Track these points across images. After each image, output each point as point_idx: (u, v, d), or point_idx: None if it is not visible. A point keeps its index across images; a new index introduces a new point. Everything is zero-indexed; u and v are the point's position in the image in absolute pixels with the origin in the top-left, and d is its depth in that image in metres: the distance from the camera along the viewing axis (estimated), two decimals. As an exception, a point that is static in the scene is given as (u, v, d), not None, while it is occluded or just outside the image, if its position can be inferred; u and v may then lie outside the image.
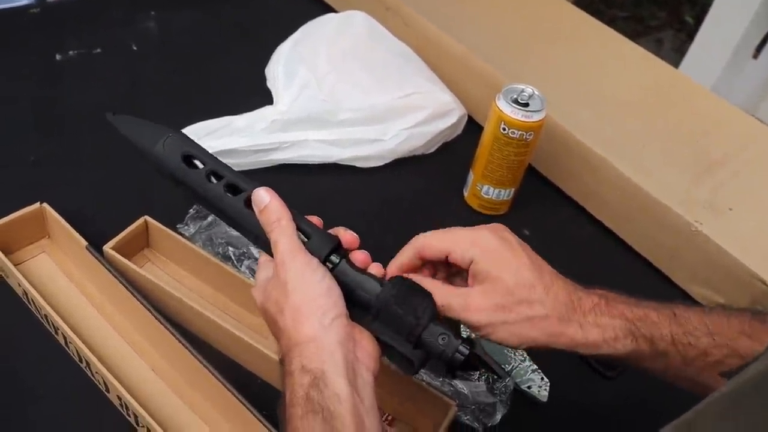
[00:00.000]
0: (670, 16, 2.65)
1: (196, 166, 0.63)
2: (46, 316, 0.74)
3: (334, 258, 0.59)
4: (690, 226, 0.90)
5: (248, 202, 0.61)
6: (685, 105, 1.09)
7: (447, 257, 0.61)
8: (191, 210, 0.87)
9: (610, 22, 1.21)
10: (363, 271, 0.60)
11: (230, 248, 0.84)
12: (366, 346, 0.57)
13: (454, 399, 0.73)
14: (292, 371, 0.54)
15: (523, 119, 0.88)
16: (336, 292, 0.57)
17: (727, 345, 0.58)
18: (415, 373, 0.59)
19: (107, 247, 0.78)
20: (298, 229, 0.60)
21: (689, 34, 2.50)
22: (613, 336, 0.58)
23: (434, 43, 1.10)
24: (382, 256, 0.88)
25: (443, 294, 0.59)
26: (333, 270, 0.59)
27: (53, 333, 0.75)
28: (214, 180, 0.62)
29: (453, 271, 0.64)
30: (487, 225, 0.62)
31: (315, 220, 0.62)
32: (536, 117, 0.88)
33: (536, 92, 0.90)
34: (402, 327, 0.57)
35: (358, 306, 0.59)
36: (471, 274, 0.60)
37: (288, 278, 0.56)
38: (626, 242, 0.98)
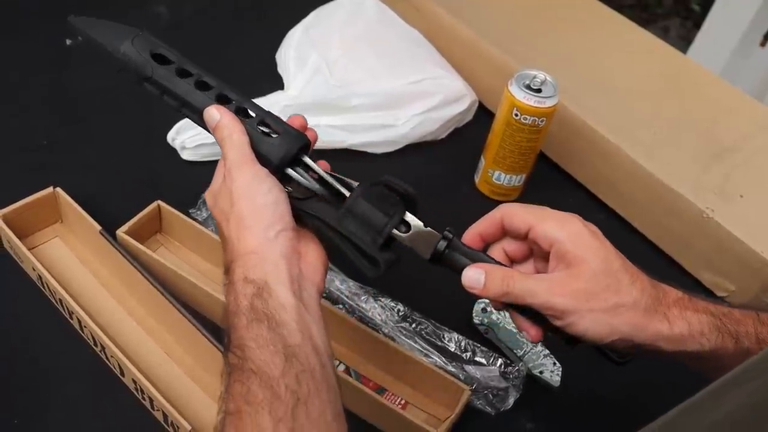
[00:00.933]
0: (676, 3, 2.64)
1: (166, 64, 0.63)
2: (60, 300, 0.74)
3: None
4: (701, 212, 0.90)
5: (219, 99, 0.61)
6: (696, 92, 1.09)
7: (528, 231, 0.59)
8: (199, 201, 0.87)
9: (617, 9, 1.20)
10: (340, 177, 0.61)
11: None
12: (312, 260, 0.57)
13: (468, 384, 0.74)
14: (234, 281, 0.54)
15: (535, 105, 0.88)
16: (283, 205, 0.57)
17: None
18: (378, 274, 0.57)
19: (120, 232, 0.78)
20: (269, 128, 0.60)
21: (696, 22, 2.49)
22: (699, 330, 0.56)
23: (444, 28, 1.09)
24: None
25: (524, 278, 0.56)
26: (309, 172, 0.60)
27: (68, 317, 0.75)
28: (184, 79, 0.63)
29: (527, 253, 0.62)
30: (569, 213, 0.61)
31: (297, 121, 0.63)
32: (549, 103, 0.88)
33: (549, 78, 0.89)
34: (372, 223, 0.57)
35: (325, 203, 0.59)
36: (555, 256, 0.57)
37: (234, 188, 0.57)
38: (637, 229, 0.98)
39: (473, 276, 0.57)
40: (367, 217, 0.58)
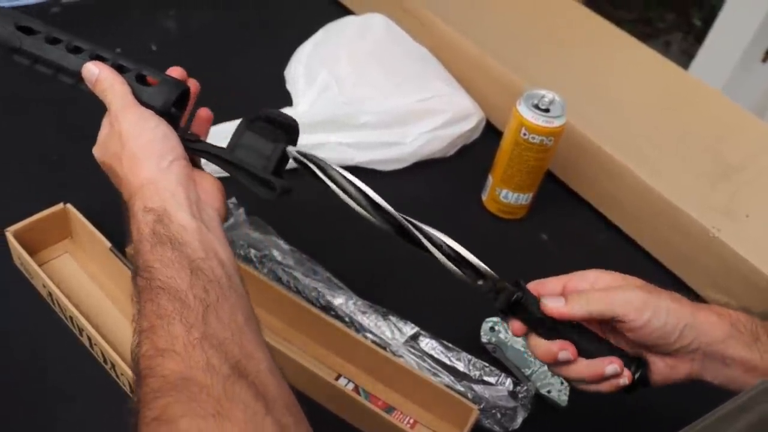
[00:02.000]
0: (678, 18, 2.65)
1: (33, 34, 0.65)
2: (70, 317, 0.74)
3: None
4: (707, 232, 0.91)
5: (94, 59, 0.64)
6: (701, 110, 1.10)
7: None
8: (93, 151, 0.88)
9: (618, 24, 1.21)
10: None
11: (252, 250, 0.85)
12: (208, 187, 0.61)
13: (476, 403, 0.74)
14: (135, 212, 0.56)
15: (544, 125, 0.88)
16: (173, 138, 0.60)
17: None
18: (273, 197, 0.63)
19: (130, 249, 0.79)
20: (146, 80, 0.64)
21: (697, 36, 2.50)
22: None
23: (452, 46, 1.10)
24: (406, 260, 0.89)
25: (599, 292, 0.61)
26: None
27: (77, 334, 0.75)
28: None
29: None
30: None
31: (177, 72, 0.66)
32: (557, 123, 0.89)
33: (557, 98, 0.90)
34: (260, 152, 0.63)
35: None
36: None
37: (122, 129, 0.60)
38: (643, 247, 0.98)
39: (554, 300, 0.61)
40: (255, 147, 0.63)
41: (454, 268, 0.61)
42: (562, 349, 0.60)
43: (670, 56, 1.20)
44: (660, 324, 0.59)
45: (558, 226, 1.00)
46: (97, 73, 0.63)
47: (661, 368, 0.61)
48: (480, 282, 0.62)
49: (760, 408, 0.44)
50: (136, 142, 0.59)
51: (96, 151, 0.64)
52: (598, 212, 1.01)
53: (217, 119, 0.95)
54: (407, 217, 0.62)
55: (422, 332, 0.81)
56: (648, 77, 1.14)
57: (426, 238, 0.61)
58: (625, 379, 0.60)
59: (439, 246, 0.61)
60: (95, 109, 1.01)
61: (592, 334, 0.62)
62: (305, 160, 0.64)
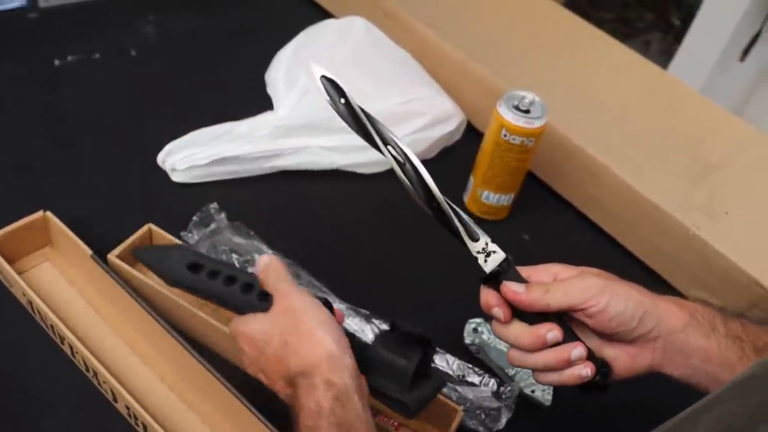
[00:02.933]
0: (656, 18, 2.67)
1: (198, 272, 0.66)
2: (51, 326, 0.74)
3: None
4: (688, 230, 0.91)
5: (244, 287, 0.65)
6: (681, 110, 1.11)
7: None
8: (194, 217, 0.87)
9: (598, 24, 1.22)
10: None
11: (234, 255, 0.84)
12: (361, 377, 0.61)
13: (460, 404, 0.74)
14: (315, 384, 0.56)
15: (524, 126, 0.89)
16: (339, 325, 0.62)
17: None
18: (412, 417, 0.63)
19: (111, 255, 0.78)
20: None
21: (676, 36, 2.52)
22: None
23: (432, 48, 1.10)
24: (388, 262, 0.90)
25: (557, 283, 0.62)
26: None
27: (59, 343, 0.75)
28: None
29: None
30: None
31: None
32: (537, 123, 0.89)
33: (537, 99, 0.90)
34: (393, 372, 0.61)
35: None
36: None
37: (296, 306, 0.61)
38: (625, 247, 0.99)
39: (515, 284, 0.62)
40: (389, 366, 0.62)
41: (453, 217, 0.63)
42: (550, 329, 0.61)
43: (649, 56, 1.21)
44: (620, 309, 0.60)
45: (540, 227, 1.00)
46: (268, 261, 0.64)
47: (623, 360, 0.62)
48: (475, 240, 0.63)
49: (721, 407, 0.45)
50: (313, 317, 0.60)
51: (257, 326, 0.62)
52: (580, 213, 1.02)
53: (199, 122, 0.95)
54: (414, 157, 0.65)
55: None
56: (628, 77, 1.15)
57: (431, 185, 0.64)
58: (588, 369, 0.61)
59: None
60: (75, 114, 1.01)
61: (562, 323, 0.63)
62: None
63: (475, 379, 0.79)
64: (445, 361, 0.80)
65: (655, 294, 0.63)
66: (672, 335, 0.61)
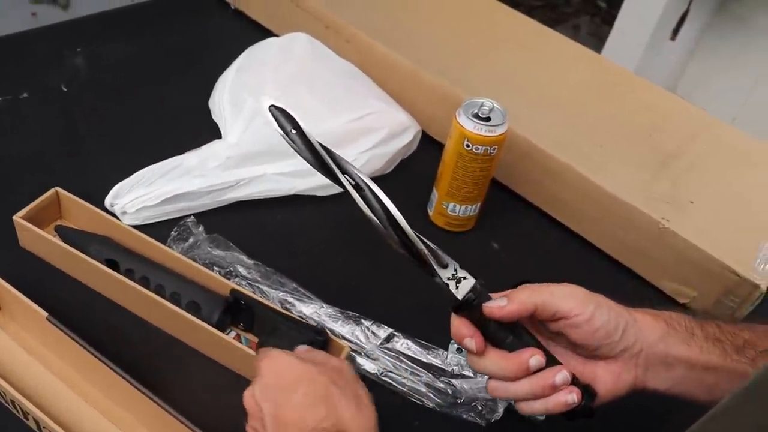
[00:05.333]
0: (584, 2, 2.69)
1: None
2: (11, 401, 0.68)
3: None
4: (657, 223, 0.91)
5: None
6: (633, 100, 1.10)
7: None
8: (173, 232, 0.84)
9: (527, 12, 1.21)
10: None
11: (215, 268, 0.82)
12: None
13: (456, 397, 0.76)
14: None
15: (486, 134, 0.86)
16: None
17: None
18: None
19: (17, 217, 0.79)
20: None
21: (604, 18, 2.55)
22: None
23: (379, 59, 1.07)
24: (357, 282, 0.87)
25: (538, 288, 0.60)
26: None
27: (23, 418, 0.69)
28: None
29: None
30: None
31: None
32: (499, 131, 0.87)
33: (496, 105, 0.88)
34: None
35: None
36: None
37: (348, 371, 0.60)
38: (595, 245, 0.98)
39: (497, 301, 0.59)
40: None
41: (422, 246, 0.59)
42: (533, 354, 0.59)
43: (579, 40, 1.20)
44: (604, 320, 0.58)
45: (508, 233, 0.98)
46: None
47: (606, 380, 0.60)
48: (443, 268, 0.60)
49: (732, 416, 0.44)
50: (363, 386, 0.59)
51: (291, 360, 0.59)
52: (546, 214, 1.00)
53: (144, 158, 0.90)
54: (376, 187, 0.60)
55: (396, 333, 0.79)
56: (575, 70, 1.14)
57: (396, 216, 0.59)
58: (574, 395, 0.59)
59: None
60: (10, 163, 0.94)
61: (542, 348, 0.61)
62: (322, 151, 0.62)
63: (470, 372, 0.77)
64: (439, 357, 0.79)
65: (627, 307, 0.61)
66: (653, 347, 0.60)
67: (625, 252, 0.96)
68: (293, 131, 0.61)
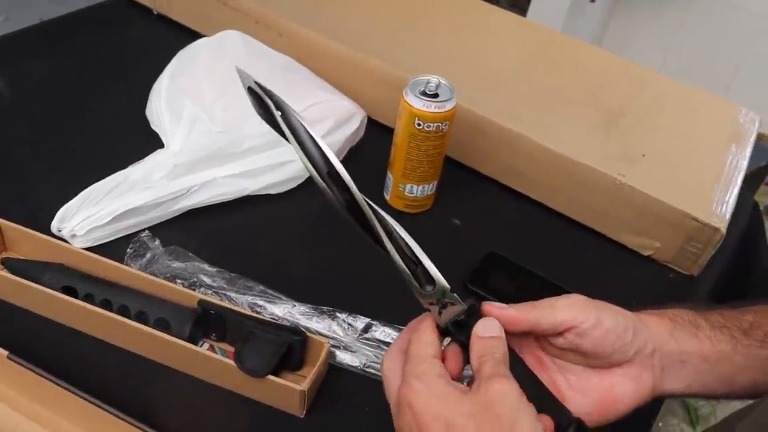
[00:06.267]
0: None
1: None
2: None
3: None
4: (613, 180, 0.91)
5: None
6: (572, 63, 1.11)
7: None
8: (128, 249, 0.81)
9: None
10: None
11: (178, 280, 0.78)
12: None
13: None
14: None
15: (436, 110, 0.85)
16: None
17: None
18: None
19: None
20: None
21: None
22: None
23: (315, 49, 1.05)
24: (326, 276, 0.85)
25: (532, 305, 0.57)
26: None
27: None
28: None
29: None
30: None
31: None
32: (449, 106, 0.86)
33: (442, 81, 0.87)
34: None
35: None
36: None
37: (506, 411, 0.50)
38: (555, 209, 0.98)
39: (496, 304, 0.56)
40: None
41: (402, 265, 0.55)
42: None
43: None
44: (612, 322, 0.55)
45: (468, 209, 0.97)
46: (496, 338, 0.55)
47: (627, 385, 0.57)
48: (429, 288, 0.55)
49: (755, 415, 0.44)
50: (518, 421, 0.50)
51: (438, 402, 0.51)
52: (504, 186, 1.00)
53: (87, 176, 0.86)
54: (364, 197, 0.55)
55: (373, 322, 0.77)
56: (513, 41, 1.14)
57: (381, 224, 0.54)
58: None
59: (390, 233, 0.54)
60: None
61: (535, 379, 0.56)
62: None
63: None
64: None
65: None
66: (665, 345, 0.58)
67: (585, 212, 0.96)
68: (279, 114, 0.53)
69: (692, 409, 1.82)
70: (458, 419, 0.49)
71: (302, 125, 0.54)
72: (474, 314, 0.55)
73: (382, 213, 0.55)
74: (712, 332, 0.59)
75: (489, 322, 0.54)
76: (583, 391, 0.57)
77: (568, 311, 0.55)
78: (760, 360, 0.58)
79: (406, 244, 0.55)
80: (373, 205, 0.55)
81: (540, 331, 0.56)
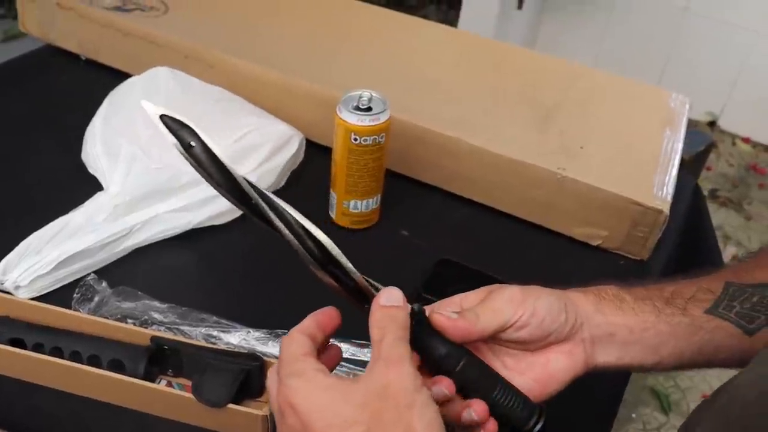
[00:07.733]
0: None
1: None
2: None
3: None
4: (554, 175, 0.92)
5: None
6: (504, 66, 1.12)
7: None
8: (75, 294, 0.79)
9: (372, 10, 1.23)
10: None
11: (129, 320, 0.77)
12: None
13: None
14: None
15: (371, 123, 0.85)
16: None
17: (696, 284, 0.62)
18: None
19: None
20: None
21: (450, 3, 2.60)
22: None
23: (245, 76, 1.05)
24: (277, 299, 0.84)
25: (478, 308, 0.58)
26: None
27: None
28: None
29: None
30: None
31: None
32: (383, 118, 0.86)
33: (374, 94, 0.87)
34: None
35: None
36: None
37: (401, 395, 0.49)
38: (501, 210, 0.98)
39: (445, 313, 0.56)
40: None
41: (292, 238, 0.54)
42: (436, 383, 0.54)
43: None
44: (546, 307, 0.57)
45: (415, 218, 0.98)
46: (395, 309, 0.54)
47: (561, 360, 0.59)
48: (367, 306, 0.55)
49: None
50: (422, 415, 0.48)
51: (314, 400, 0.48)
52: (449, 193, 1.00)
53: (28, 227, 0.84)
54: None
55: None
56: (441, 49, 1.16)
57: (266, 201, 0.55)
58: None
59: (277, 210, 0.55)
60: None
61: (490, 371, 0.58)
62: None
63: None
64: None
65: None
66: (592, 318, 0.59)
67: (531, 209, 0.97)
68: (191, 144, 0.52)
69: (663, 396, 1.84)
70: (349, 411, 0.47)
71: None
72: (420, 321, 0.56)
73: (268, 193, 0.56)
74: (635, 304, 0.60)
75: (393, 292, 0.54)
76: (520, 371, 0.59)
77: (507, 311, 0.56)
78: (683, 327, 0.60)
79: (295, 219, 0.55)
80: (257, 186, 0.56)
81: (487, 336, 0.57)
